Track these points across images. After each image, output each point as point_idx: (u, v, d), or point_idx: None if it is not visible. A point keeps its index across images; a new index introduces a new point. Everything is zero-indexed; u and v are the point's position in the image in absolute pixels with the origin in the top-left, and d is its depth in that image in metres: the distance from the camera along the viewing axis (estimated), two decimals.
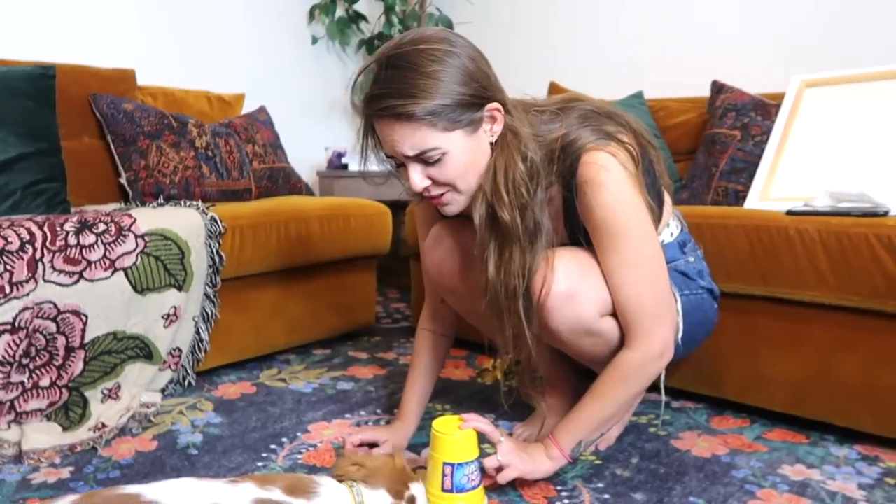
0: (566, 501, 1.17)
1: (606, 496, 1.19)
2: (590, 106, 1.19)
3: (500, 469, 1.15)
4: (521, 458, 1.16)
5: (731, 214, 1.51)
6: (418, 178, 1.10)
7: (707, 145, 2.00)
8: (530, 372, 1.21)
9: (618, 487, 1.22)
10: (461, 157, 1.08)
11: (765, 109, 1.94)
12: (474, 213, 1.12)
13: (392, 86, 1.04)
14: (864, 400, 1.36)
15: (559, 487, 1.22)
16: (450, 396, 1.66)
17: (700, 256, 1.34)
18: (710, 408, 1.59)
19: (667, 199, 1.27)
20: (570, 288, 1.13)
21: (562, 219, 1.19)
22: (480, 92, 1.07)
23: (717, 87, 2.11)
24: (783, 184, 1.73)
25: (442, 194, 1.13)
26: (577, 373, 1.46)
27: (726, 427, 1.49)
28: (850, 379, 1.37)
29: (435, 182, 1.11)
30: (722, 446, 1.39)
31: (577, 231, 1.17)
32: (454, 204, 1.15)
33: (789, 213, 1.45)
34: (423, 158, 1.08)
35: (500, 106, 1.09)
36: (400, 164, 1.12)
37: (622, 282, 1.14)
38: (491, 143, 1.12)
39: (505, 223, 1.09)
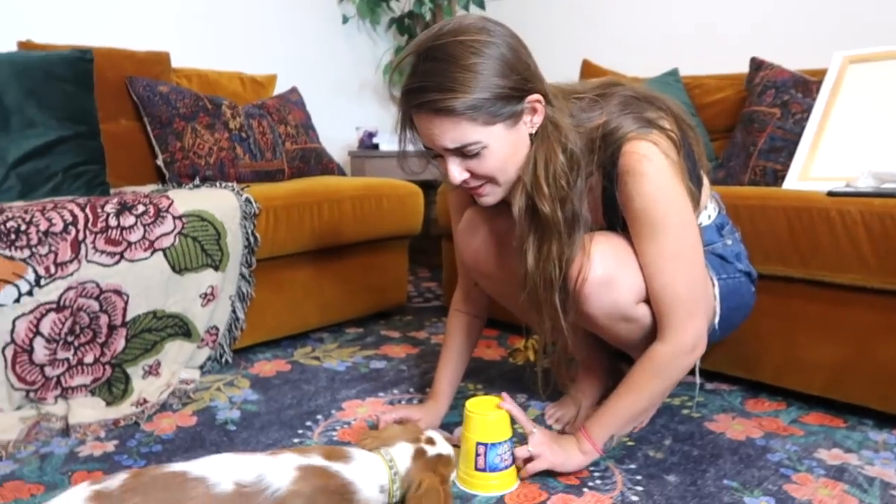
0: (598, 482, 1.18)
1: (639, 477, 1.19)
2: (629, 91, 1.17)
3: (529, 459, 1.16)
4: (552, 449, 1.17)
5: (769, 195, 1.48)
6: (457, 171, 1.09)
7: (745, 123, 1.96)
8: (566, 359, 1.21)
9: (650, 469, 1.22)
10: (501, 150, 1.07)
11: (805, 86, 1.89)
12: (513, 205, 1.11)
13: (431, 79, 1.02)
14: None
15: (592, 468, 1.22)
16: (481, 376, 1.68)
17: (738, 239, 1.32)
18: (745, 390, 1.57)
19: (705, 181, 1.25)
20: (607, 274, 1.12)
21: (600, 209, 1.17)
22: (521, 84, 1.05)
23: (756, 64, 2.06)
24: (824, 163, 1.68)
25: (480, 185, 1.12)
26: (612, 356, 1.46)
27: (761, 410, 1.47)
28: (891, 362, 1.34)
29: (473, 175, 1.10)
30: (757, 429, 1.38)
31: (616, 221, 1.16)
32: (492, 195, 1.14)
33: (830, 193, 1.42)
34: (462, 152, 1.07)
35: (540, 97, 1.08)
36: (438, 154, 1.12)
37: (658, 272, 1.13)
38: (531, 135, 1.10)
39: (545, 215, 1.09)
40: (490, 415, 1.15)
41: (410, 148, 1.17)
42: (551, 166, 1.07)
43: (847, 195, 1.39)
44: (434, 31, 1.06)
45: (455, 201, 1.40)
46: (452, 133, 1.04)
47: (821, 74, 1.85)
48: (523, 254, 1.13)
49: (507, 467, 1.16)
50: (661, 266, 1.12)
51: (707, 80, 2.26)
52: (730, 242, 1.29)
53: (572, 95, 1.16)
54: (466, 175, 1.10)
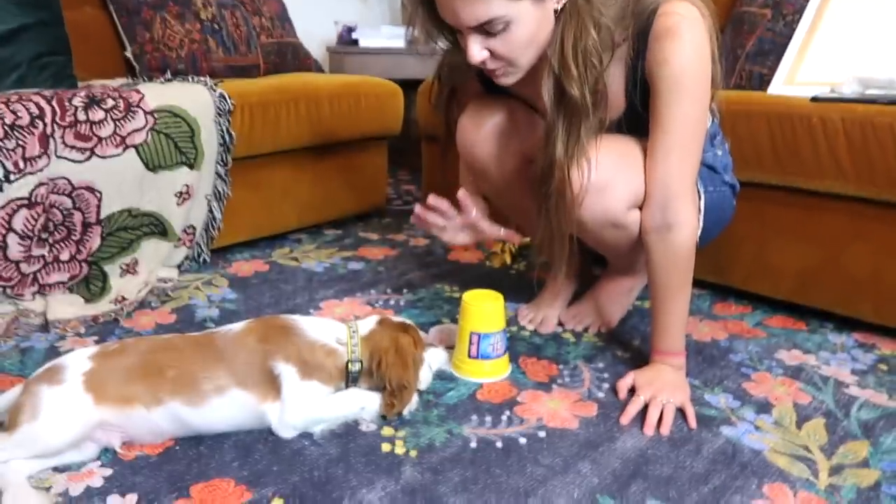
0: (567, 379, 1.22)
1: (606, 375, 1.24)
2: None
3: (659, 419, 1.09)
4: (662, 389, 1.11)
5: (752, 100, 1.46)
6: (476, 49, 1.03)
7: (734, 24, 1.90)
8: (549, 252, 1.19)
9: (617, 367, 1.27)
10: (526, 27, 1.01)
11: None
12: (542, 88, 1.05)
13: None
14: (868, 290, 1.37)
15: (561, 366, 1.27)
16: (458, 278, 1.70)
17: (727, 150, 1.30)
18: (714, 294, 1.62)
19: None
20: (602, 179, 1.10)
21: (625, 84, 1.12)
22: None
23: None
24: (811, 68, 1.65)
25: (499, 67, 1.07)
26: (585, 259, 1.47)
27: (728, 313, 1.52)
28: (857, 269, 1.37)
29: (494, 55, 1.04)
30: (722, 331, 1.43)
31: (637, 97, 1.11)
32: (510, 76, 1.09)
33: (814, 99, 1.40)
34: (485, 28, 1.00)
35: None
36: (456, 31, 1.05)
37: (677, 144, 1.08)
38: (555, 10, 1.03)
39: (574, 99, 1.03)
40: (485, 305, 1.20)
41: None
42: (581, 44, 1.01)
43: (830, 101, 1.38)
44: None
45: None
46: (476, 6, 0.97)
47: None
48: (552, 142, 1.08)
49: (498, 356, 1.21)
50: (681, 137, 1.08)
51: None
52: (720, 153, 1.27)
53: None
54: (486, 54, 1.04)
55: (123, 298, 1.48)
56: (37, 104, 1.38)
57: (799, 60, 1.68)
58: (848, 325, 1.44)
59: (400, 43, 2.69)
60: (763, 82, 1.77)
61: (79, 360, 0.99)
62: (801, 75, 1.65)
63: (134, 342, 1.06)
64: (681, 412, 1.11)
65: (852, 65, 1.55)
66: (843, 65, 1.58)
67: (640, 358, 1.29)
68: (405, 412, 1.08)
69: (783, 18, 1.81)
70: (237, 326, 1.08)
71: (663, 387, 1.12)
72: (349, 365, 1.07)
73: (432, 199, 1.22)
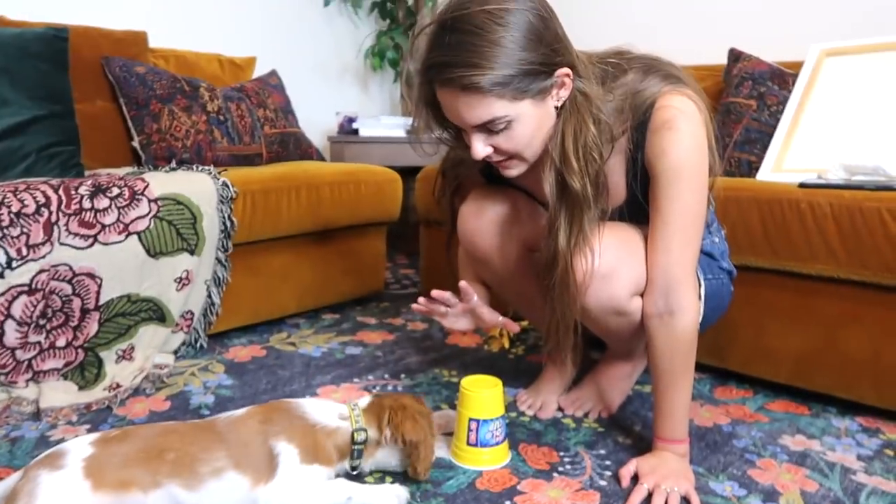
0: (568, 467, 1.20)
1: (608, 462, 1.21)
2: (649, 55, 1.15)
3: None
4: (664, 477, 1.10)
5: (742, 186, 1.50)
6: (480, 146, 1.07)
7: (722, 115, 1.97)
8: (556, 340, 1.19)
9: (619, 454, 1.24)
10: (528, 125, 1.05)
11: (782, 79, 1.91)
12: (544, 181, 1.09)
13: (457, 54, 0.99)
14: (868, 373, 1.36)
15: (562, 453, 1.24)
16: (456, 362, 1.69)
17: (723, 237, 1.33)
18: (714, 378, 1.60)
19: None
20: (607, 267, 1.11)
21: (626, 175, 1.15)
22: (549, 57, 1.01)
23: (735, 56, 2.08)
24: (797, 155, 1.71)
25: (504, 160, 1.11)
26: (583, 346, 1.46)
27: (729, 397, 1.50)
28: (856, 352, 1.37)
29: (498, 150, 1.08)
30: (724, 416, 1.40)
31: (638, 188, 1.14)
32: (515, 168, 1.12)
33: (802, 185, 1.44)
34: (487, 127, 1.05)
35: (569, 71, 1.04)
36: (460, 128, 1.09)
37: (676, 234, 1.10)
38: (556, 107, 1.07)
39: (575, 191, 1.06)
40: (483, 392, 1.18)
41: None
42: (581, 139, 1.05)
43: (818, 187, 1.41)
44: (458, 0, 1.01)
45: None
46: (478, 109, 1.02)
47: (798, 67, 1.87)
48: (554, 233, 1.10)
49: (498, 443, 1.19)
50: (681, 225, 1.09)
51: (685, 70, 2.27)
52: (717, 240, 1.29)
53: (595, 60, 1.12)
54: (490, 150, 1.08)
55: (118, 385, 1.46)
56: (43, 193, 1.42)
57: (785, 148, 1.74)
58: (851, 408, 1.43)
59: (398, 132, 2.78)
60: (752, 169, 1.82)
61: (81, 445, 0.98)
62: (788, 162, 1.70)
63: (136, 428, 1.05)
64: (685, 501, 1.08)
65: (837, 152, 1.60)
66: (828, 152, 1.63)
67: (643, 444, 1.27)
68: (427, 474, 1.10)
69: (767, 109, 1.88)
70: (240, 411, 1.09)
71: (667, 474, 1.10)
72: (354, 435, 1.08)
73: (436, 293, 1.23)
